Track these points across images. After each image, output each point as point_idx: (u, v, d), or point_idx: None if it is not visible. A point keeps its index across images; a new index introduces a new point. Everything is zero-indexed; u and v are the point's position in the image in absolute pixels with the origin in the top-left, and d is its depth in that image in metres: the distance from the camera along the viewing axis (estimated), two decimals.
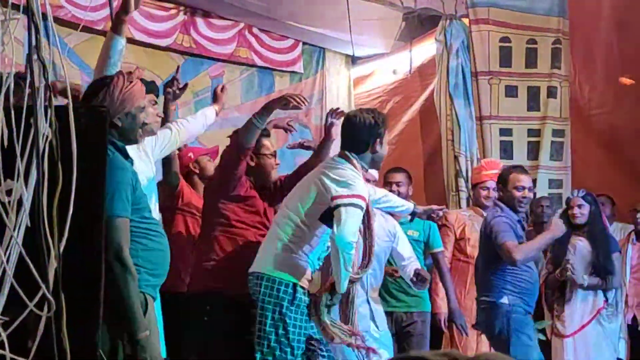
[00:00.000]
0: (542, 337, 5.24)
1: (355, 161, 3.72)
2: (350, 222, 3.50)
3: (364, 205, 3.59)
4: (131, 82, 2.97)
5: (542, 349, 4.87)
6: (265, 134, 4.38)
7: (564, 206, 5.37)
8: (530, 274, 4.60)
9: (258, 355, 3.55)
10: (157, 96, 3.77)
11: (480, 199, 5.44)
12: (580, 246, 5.15)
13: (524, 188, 4.58)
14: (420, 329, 4.85)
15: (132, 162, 2.95)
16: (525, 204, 4.66)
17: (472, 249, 5.27)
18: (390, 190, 4.76)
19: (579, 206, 5.18)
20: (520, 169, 4.84)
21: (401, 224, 4.72)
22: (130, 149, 3.24)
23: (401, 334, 4.80)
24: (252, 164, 4.19)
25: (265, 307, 3.56)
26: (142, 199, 2.87)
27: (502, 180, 4.69)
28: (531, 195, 4.79)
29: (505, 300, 4.50)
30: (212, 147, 5.05)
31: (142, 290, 2.77)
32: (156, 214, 3.49)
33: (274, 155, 4.32)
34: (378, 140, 3.81)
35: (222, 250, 3.98)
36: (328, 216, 3.59)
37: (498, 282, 4.53)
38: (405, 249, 4.53)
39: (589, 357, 5.13)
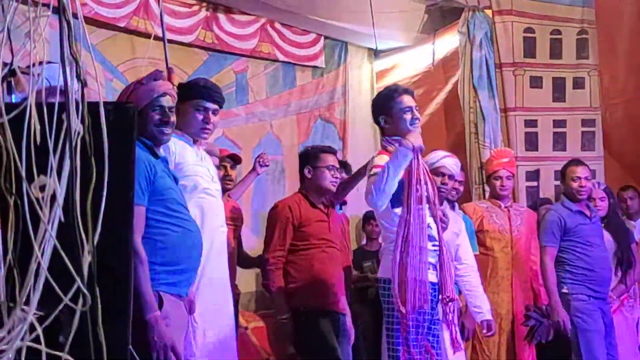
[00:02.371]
0: None
1: (385, 144, 3.77)
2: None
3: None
4: (142, 83, 3.01)
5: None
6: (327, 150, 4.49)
7: None
8: (589, 260, 4.85)
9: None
10: (220, 105, 3.71)
11: (495, 190, 5.39)
12: (604, 238, 5.16)
13: (579, 178, 4.94)
14: None
15: (165, 161, 3.00)
16: (585, 192, 4.94)
17: (492, 240, 5.27)
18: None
19: (601, 199, 5.21)
20: (576, 161, 5.16)
21: None
22: (190, 152, 3.30)
23: None
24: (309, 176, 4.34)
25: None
26: (166, 190, 2.90)
27: (562, 174, 5.11)
28: (589, 184, 4.97)
29: (565, 289, 4.87)
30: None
31: (156, 289, 2.78)
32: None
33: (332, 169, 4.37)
34: (386, 117, 3.80)
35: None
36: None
37: (558, 273, 4.91)
38: (467, 253, 4.52)
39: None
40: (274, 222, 4.30)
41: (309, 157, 4.42)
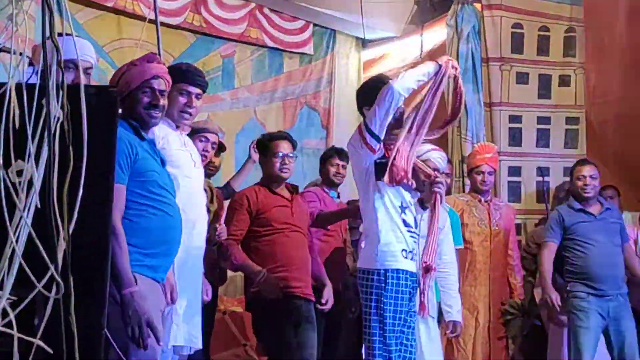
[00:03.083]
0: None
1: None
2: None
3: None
4: (135, 65, 2.99)
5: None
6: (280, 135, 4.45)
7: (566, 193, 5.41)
8: (586, 258, 4.91)
9: None
10: (204, 89, 3.67)
11: (476, 184, 5.42)
12: None
13: (584, 177, 5.03)
14: None
15: (150, 143, 2.98)
16: (589, 190, 5.02)
17: (471, 234, 5.32)
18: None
19: None
20: (583, 161, 5.29)
21: None
22: (173, 136, 3.29)
23: None
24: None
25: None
26: (148, 172, 2.88)
27: (570, 173, 5.24)
28: (594, 182, 5.03)
29: (568, 286, 4.97)
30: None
31: (133, 270, 2.76)
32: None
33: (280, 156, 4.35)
34: (370, 107, 3.78)
35: None
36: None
37: (564, 269, 5.02)
38: (448, 247, 4.52)
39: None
40: (231, 211, 4.28)
41: (260, 146, 4.42)
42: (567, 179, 6.23)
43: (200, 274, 3.57)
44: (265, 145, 4.34)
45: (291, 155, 4.31)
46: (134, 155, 2.84)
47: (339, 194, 5.08)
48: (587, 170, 5.04)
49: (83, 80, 2.73)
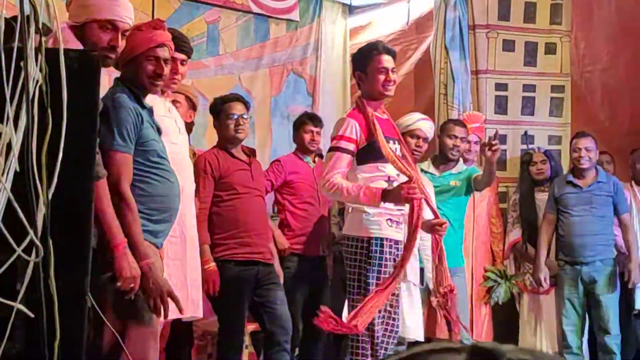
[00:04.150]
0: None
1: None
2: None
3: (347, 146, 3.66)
4: (140, 30, 2.95)
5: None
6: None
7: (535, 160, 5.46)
8: (564, 227, 5.09)
9: None
10: (189, 55, 3.68)
11: (463, 154, 5.43)
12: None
13: (579, 149, 5.13)
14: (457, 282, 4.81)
15: (150, 110, 2.96)
16: (584, 162, 5.10)
17: None
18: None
19: (542, 162, 5.32)
20: (580, 133, 5.32)
21: (449, 174, 4.83)
22: (158, 103, 3.26)
23: None
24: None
25: None
26: (149, 141, 2.88)
27: (570, 145, 5.35)
28: (589, 154, 5.12)
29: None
30: None
31: None
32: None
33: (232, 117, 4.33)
34: (362, 73, 3.78)
35: None
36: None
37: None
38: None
39: None
40: (196, 176, 4.27)
41: (214, 109, 4.40)
42: (552, 147, 6.29)
43: (191, 239, 3.57)
44: (219, 108, 4.33)
45: (245, 116, 4.32)
46: (139, 125, 2.84)
47: (314, 159, 5.05)
48: (582, 143, 5.13)
49: (120, 43, 2.71)
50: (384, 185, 3.69)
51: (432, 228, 3.82)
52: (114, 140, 2.76)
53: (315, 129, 4.99)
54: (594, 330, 5.06)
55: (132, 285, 2.66)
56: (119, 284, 2.62)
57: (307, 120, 5.05)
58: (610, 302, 4.96)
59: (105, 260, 2.61)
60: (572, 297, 5.01)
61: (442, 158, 4.90)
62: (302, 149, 5.02)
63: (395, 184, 3.72)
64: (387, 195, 3.56)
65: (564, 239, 5.07)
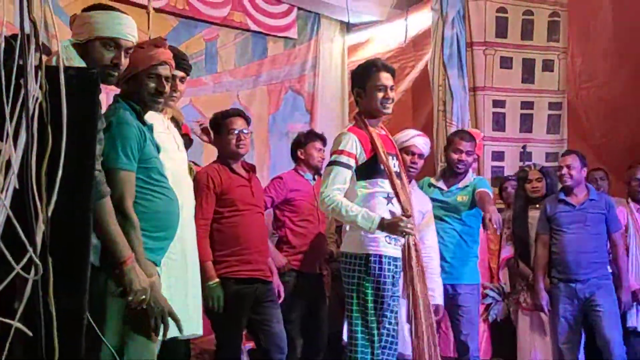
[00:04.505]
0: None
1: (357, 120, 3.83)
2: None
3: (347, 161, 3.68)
4: (142, 47, 2.96)
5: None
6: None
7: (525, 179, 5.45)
8: (559, 245, 5.04)
9: None
10: (187, 73, 3.69)
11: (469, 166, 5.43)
12: None
13: (562, 167, 5.11)
14: (468, 300, 4.77)
15: (150, 128, 2.96)
16: (566, 179, 5.07)
17: None
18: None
19: (538, 179, 5.32)
20: (567, 151, 5.35)
21: (456, 189, 4.78)
22: (157, 120, 3.25)
23: (449, 306, 4.71)
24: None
25: None
26: (151, 159, 2.88)
27: None
28: (570, 172, 5.06)
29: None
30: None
31: None
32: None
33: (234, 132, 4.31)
34: (360, 90, 3.80)
35: None
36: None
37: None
38: (430, 235, 4.53)
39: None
40: (198, 192, 4.24)
41: (215, 125, 4.36)
42: (549, 164, 6.31)
43: (192, 257, 3.55)
44: (219, 123, 4.30)
45: (246, 131, 4.28)
46: (142, 142, 2.84)
47: (314, 176, 5.06)
48: (564, 160, 5.13)
49: (123, 61, 2.71)
50: (384, 202, 3.69)
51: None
52: (118, 158, 2.75)
53: (324, 147, 5.01)
54: (597, 346, 5.02)
55: (143, 297, 2.65)
56: (130, 297, 2.61)
57: (316, 139, 5.07)
58: (609, 316, 4.94)
59: (112, 276, 2.60)
60: (566, 314, 4.99)
61: (449, 172, 4.88)
62: (306, 166, 5.02)
63: (394, 201, 3.72)
64: (384, 225, 3.57)
65: (557, 256, 5.05)
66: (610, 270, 5.08)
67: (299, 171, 5.01)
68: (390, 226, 3.58)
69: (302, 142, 5.09)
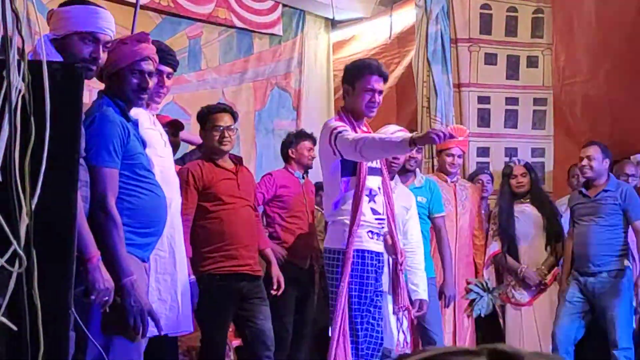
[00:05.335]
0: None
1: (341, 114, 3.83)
2: None
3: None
4: (125, 43, 2.94)
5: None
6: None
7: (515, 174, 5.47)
8: (575, 236, 5.08)
9: None
10: (174, 68, 3.67)
11: (445, 166, 5.43)
12: (529, 211, 5.32)
13: (581, 158, 5.05)
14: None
15: (135, 123, 2.94)
16: (586, 170, 5.05)
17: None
18: None
19: (522, 175, 5.35)
20: (589, 142, 5.21)
21: (413, 188, 4.78)
22: (143, 115, 3.23)
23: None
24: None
25: None
26: (136, 155, 2.87)
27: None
28: (590, 163, 5.04)
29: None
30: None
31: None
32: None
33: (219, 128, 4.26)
34: (349, 87, 3.80)
35: None
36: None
37: None
38: (414, 230, 4.52)
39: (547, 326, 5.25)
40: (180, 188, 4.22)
41: (201, 118, 4.33)
42: (535, 159, 6.34)
43: (180, 253, 3.54)
44: (205, 118, 4.27)
45: (232, 127, 4.24)
46: (126, 139, 2.82)
47: (303, 175, 5.10)
48: (584, 151, 5.09)
49: (101, 55, 2.69)
50: (365, 199, 3.70)
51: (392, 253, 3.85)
52: (100, 156, 2.74)
53: (313, 146, 5.05)
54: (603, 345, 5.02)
55: (106, 298, 2.62)
56: (92, 297, 2.58)
57: (306, 138, 5.14)
58: (618, 315, 4.90)
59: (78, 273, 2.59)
60: (572, 300, 4.99)
61: (401, 169, 4.85)
62: (297, 165, 5.06)
63: (377, 198, 3.73)
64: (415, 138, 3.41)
65: (574, 248, 5.09)
66: (628, 264, 5.06)
67: (289, 169, 5.08)
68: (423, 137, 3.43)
69: (293, 141, 5.15)
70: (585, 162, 5.04)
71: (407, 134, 3.52)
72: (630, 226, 5.02)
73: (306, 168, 5.14)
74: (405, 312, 3.96)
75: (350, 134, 3.59)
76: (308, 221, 5.00)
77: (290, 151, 5.12)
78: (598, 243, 4.99)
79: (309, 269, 4.96)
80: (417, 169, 5.07)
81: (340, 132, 3.61)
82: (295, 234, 4.89)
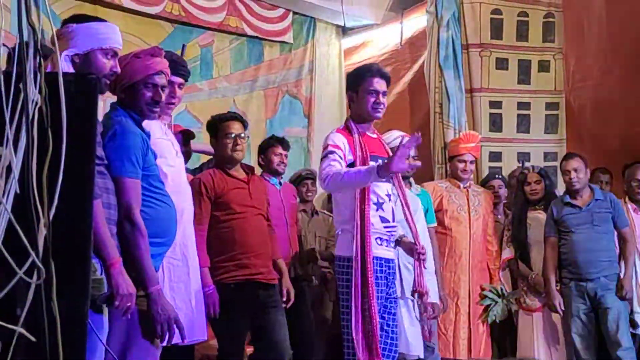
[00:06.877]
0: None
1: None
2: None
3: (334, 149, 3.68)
4: (139, 57, 2.99)
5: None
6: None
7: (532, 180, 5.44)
8: (568, 245, 5.07)
9: None
10: (186, 79, 3.69)
11: (457, 172, 5.47)
12: (541, 218, 5.30)
13: (569, 172, 5.10)
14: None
15: (148, 135, 2.98)
16: (575, 183, 5.08)
17: (450, 220, 5.38)
18: None
19: (536, 182, 5.34)
20: (568, 155, 5.34)
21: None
22: (155, 126, 3.26)
23: None
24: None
25: None
26: (152, 166, 2.92)
27: (560, 168, 5.32)
28: (579, 175, 5.09)
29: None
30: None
31: None
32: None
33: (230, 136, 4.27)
34: (353, 94, 3.81)
35: None
36: None
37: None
38: (421, 232, 4.48)
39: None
40: (193, 198, 4.20)
41: (211, 128, 4.33)
42: (548, 164, 6.32)
43: (193, 262, 3.55)
44: (216, 127, 4.27)
45: (243, 135, 4.23)
46: (145, 150, 2.88)
47: (280, 181, 5.06)
48: (570, 165, 5.12)
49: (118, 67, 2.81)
50: (373, 207, 3.69)
51: (412, 251, 3.82)
52: (124, 167, 2.78)
53: (284, 152, 5.01)
54: (606, 347, 5.01)
55: (128, 303, 2.65)
56: (116, 302, 2.61)
57: (277, 143, 5.06)
58: (618, 314, 4.94)
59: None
60: (580, 313, 5.00)
61: None
62: (270, 171, 5.01)
63: (384, 206, 3.72)
64: (382, 168, 3.47)
65: (568, 257, 5.07)
66: (619, 268, 5.09)
67: (265, 177, 4.96)
68: (386, 165, 3.46)
69: (263, 147, 5.11)
70: (573, 175, 5.08)
71: (373, 166, 3.52)
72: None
73: (278, 173, 5.03)
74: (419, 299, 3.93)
75: (325, 166, 3.62)
76: (287, 228, 4.92)
77: (260, 158, 5.09)
78: (597, 250, 5.03)
79: (292, 278, 4.73)
80: (412, 178, 5.04)
81: (325, 155, 3.67)
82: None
